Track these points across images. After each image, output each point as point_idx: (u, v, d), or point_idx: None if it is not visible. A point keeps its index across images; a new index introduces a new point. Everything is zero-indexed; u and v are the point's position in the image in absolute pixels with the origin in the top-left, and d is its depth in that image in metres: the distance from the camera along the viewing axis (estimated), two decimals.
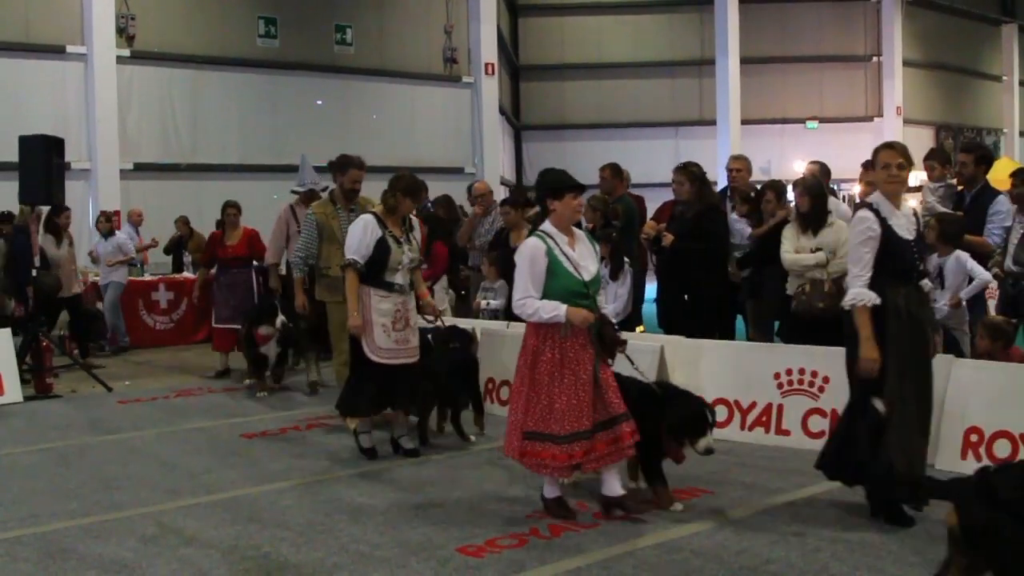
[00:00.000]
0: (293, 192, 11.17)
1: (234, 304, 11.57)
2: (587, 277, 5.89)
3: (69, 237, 13.05)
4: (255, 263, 11.94)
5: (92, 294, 14.37)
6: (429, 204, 13.07)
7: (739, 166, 10.30)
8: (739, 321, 10.16)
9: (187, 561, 5.31)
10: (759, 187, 10.01)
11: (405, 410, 7.69)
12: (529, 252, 5.90)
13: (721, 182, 15.49)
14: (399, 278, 7.38)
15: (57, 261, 12.59)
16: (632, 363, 6.16)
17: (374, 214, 7.49)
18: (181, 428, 9.00)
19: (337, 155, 9.18)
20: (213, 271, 12.26)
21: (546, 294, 5.81)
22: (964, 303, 8.20)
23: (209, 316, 12.79)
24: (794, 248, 8.60)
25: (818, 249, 8.50)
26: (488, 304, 10.87)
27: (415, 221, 7.69)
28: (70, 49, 17.53)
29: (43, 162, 11.04)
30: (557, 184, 6.05)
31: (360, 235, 7.32)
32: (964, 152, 9.11)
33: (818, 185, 9.13)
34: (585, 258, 5.98)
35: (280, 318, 10.11)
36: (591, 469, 5.96)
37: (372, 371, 7.33)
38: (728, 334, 9.63)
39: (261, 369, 10.60)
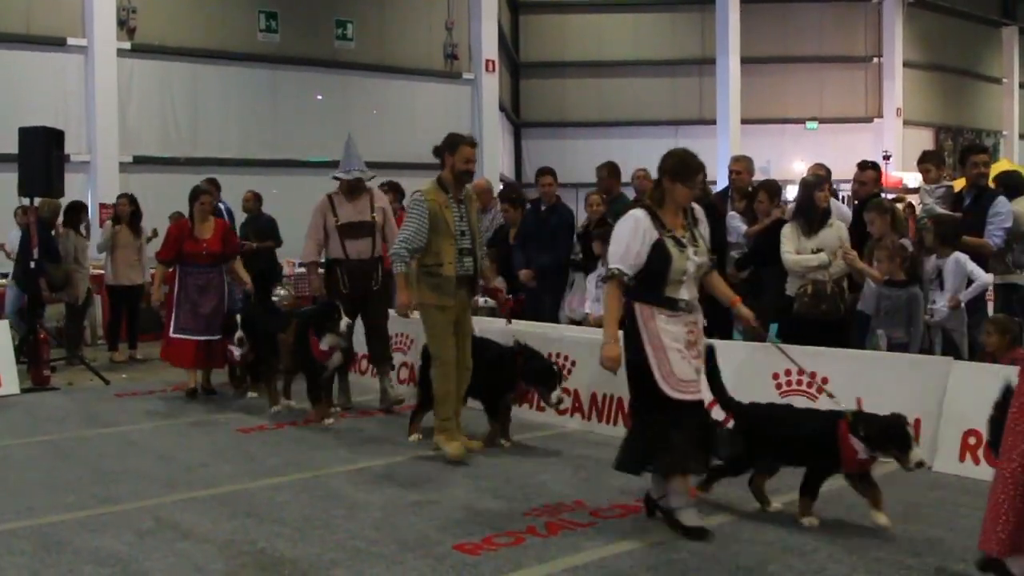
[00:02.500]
0: (336, 179, 9.47)
1: (204, 312, 9.95)
2: None
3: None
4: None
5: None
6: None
7: (739, 168, 10.27)
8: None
9: (183, 555, 5.29)
10: (752, 187, 10.02)
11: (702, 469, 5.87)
12: None
13: (721, 182, 15.47)
14: (684, 292, 5.60)
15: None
16: None
17: (647, 208, 5.67)
18: (178, 422, 8.99)
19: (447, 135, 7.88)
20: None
21: None
22: (963, 305, 8.19)
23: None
24: (795, 249, 8.60)
25: (819, 250, 8.50)
26: (487, 301, 10.86)
27: (699, 211, 5.96)
28: (71, 41, 17.49)
29: (43, 154, 11.06)
30: None
31: (628, 238, 5.56)
32: (980, 152, 9.11)
33: (813, 179, 9.14)
34: None
35: (344, 320, 8.70)
36: None
37: (674, 412, 5.51)
38: (726, 333, 9.59)
39: (326, 391, 9.07)
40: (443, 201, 7.53)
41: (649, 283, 5.55)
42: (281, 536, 5.59)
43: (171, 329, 10.01)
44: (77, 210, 13.22)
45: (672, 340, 5.52)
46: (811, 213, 8.67)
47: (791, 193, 10.82)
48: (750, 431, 6.11)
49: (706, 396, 5.94)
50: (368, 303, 9.31)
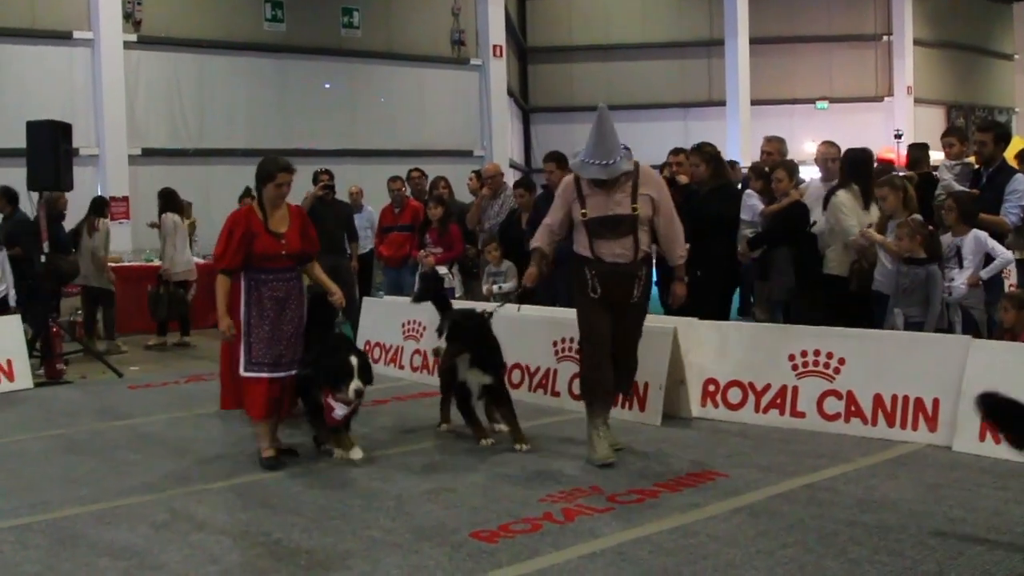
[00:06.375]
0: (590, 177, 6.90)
1: (285, 336, 6.96)
2: None
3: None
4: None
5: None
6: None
7: (771, 148, 10.20)
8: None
9: (198, 547, 5.27)
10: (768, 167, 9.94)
11: None
12: None
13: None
14: None
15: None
16: None
17: None
18: (192, 413, 8.96)
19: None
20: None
21: None
22: (982, 283, 8.12)
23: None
24: (858, 222, 8.59)
25: (870, 224, 8.56)
26: (500, 288, 10.82)
27: None
28: (77, 35, 17.43)
29: (51, 148, 11.01)
30: None
31: None
32: (983, 131, 9.01)
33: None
34: None
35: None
36: None
37: None
38: (724, 314, 9.54)
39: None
40: None
41: None
42: (296, 527, 5.56)
43: (242, 365, 6.96)
44: (105, 203, 13.70)
45: None
46: (868, 186, 8.68)
47: (803, 174, 10.69)
48: None
49: None
50: (623, 315, 7.04)
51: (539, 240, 7.23)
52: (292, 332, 7.01)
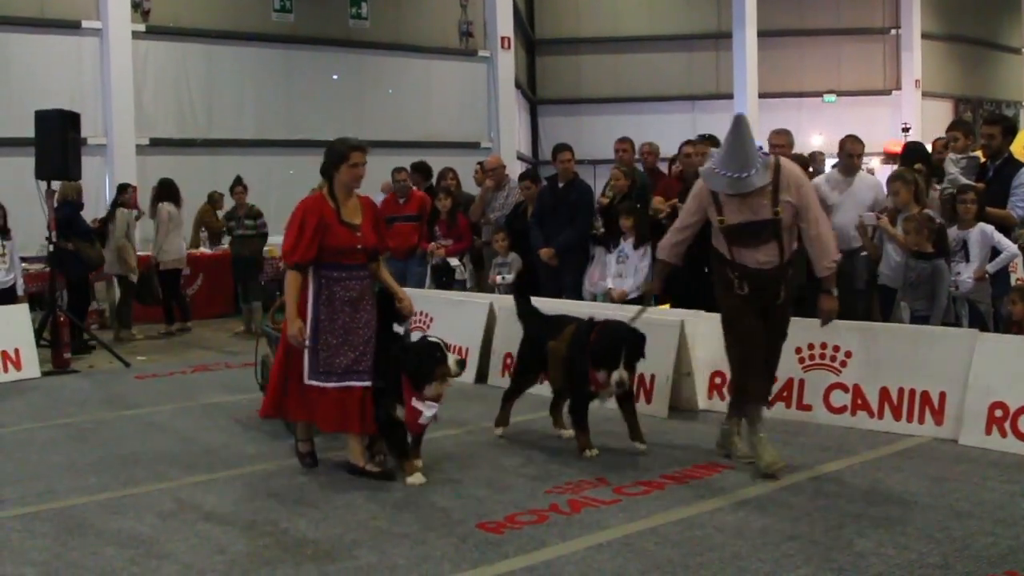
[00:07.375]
0: (736, 178, 6.14)
1: (359, 340, 6.30)
2: None
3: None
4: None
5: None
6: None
7: (780, 141, 10.14)
8: None
9: (205, 537, 5.28)
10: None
11: None
12: None
13: None
14: None
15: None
16: None
17: None
18: (199, 403, 8.99)
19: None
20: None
21: None
22: (987, 277, 8.10)
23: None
24: None
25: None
26: (504, 279, 10.84)
27: None
28: (85, 24, 17.44)
29: (59, 137, 11.04)
30: None
31: None
32: (990, 124, 8.97)
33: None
34: None
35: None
36: None
37: None
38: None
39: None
40: None
41: None
42: (304, 517, 5.58)
43: (307, 373, 6.29)
44: (123, 191, 13.94)
45: None
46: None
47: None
48: None
49: None
50: (769, 317, 6.52)
51: (663, 251, 6.79)
52: (367, 337, 6.32)
